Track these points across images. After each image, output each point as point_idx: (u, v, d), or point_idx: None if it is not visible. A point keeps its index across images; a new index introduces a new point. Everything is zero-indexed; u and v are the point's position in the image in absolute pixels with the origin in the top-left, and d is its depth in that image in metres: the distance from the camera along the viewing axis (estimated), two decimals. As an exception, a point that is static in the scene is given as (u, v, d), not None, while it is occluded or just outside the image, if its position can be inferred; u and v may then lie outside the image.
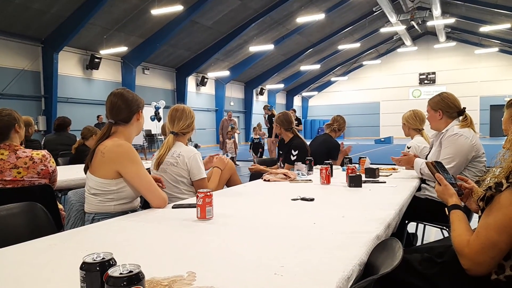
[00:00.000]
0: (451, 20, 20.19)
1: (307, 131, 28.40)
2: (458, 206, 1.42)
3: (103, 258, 0.78)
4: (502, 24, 18.34)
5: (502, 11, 17.43)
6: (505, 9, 17.20)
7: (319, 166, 2.71)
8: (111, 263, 0.78)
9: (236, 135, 10.90)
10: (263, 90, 26.73)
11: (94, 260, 0.77)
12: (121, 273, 0.69)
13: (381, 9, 18.48)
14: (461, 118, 2.52)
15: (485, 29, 19.79)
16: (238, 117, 25.33)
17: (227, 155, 3.22)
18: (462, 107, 2.53)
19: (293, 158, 3.46)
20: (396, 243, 1.04)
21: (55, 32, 12.68)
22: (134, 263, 0.74)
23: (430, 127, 2.74)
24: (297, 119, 9.31)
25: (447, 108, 2.50)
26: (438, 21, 19.71)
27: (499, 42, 23.40)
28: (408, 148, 3.26)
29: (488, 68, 26.25)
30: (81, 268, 0.77)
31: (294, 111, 10.45)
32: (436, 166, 1.69)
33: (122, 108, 1.89)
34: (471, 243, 1.19)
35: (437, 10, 18.09)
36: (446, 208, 1.45)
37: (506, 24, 18.24)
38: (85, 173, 1.89)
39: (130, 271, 0.70)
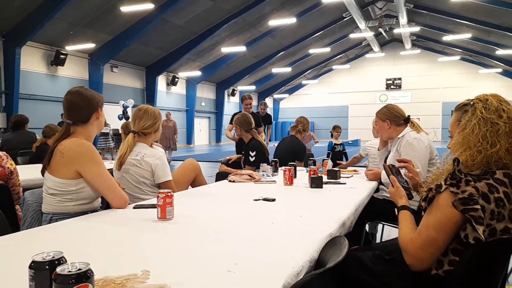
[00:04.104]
0: (416, 29, 21.01)
1: (278, 133, 28.67)
2: (407, 207, 1.51)
3: (53, 257, 0.78)
4: (463, 33, 19.29)
5: (464, 22, 18.32)
6: (466, 20, 18.10)
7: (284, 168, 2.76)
8: (61, 262, 0.78)
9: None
10: (235, 91, 26.73)
11: (44, 259, 0.78)
12: (69, 271, 0.70)
13: (350, 15, 18.96)
14: (408, 125, 2.67)
15: (447, 38, 20.73)
16: (209, 117, 25.22)
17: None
18: (407, 115, 2.69)
19: (251, 159, 3.50)
20: (344, 240, 1.10)
21: (18, 26, 12.15)
22: (85, 261, 0.75)
23: (382, 138, 2.88)
24: (268, 115, 7.12)
25: (394, 117, 2.67)
26: (404, 29, 20.46)
27: (460, 50, 24.55)
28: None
29: (450, 75, 27.49)
30: (30, 267, 0.77)
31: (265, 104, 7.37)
32: (392, 169, 1.78)
33: (80, 106, 1.85)
34: (413, 240, 1.28)
35: (403, 18, 18.77)
36: (396, 208, 1.54)
37: (467, 33, 19.20)
38: (43, 174, 1.85)
39: (79, 269, 0.71)
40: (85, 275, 0.71)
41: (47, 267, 0.77)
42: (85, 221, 1.62)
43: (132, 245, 1.30)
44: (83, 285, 0.70)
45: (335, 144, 6.76)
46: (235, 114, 5.39)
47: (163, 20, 14.66)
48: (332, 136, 6.94)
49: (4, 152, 2.31)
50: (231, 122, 5.36)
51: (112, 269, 1.02)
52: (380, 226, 3.46)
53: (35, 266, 0.77)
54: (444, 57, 25.27)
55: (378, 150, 3.06)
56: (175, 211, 1.63)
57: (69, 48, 14.16)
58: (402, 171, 2.36)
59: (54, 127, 4.10)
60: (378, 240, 3.33)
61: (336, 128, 6.96)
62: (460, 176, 1.21)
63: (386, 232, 3.62)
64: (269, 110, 31.86)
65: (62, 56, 14.26)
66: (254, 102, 30.25)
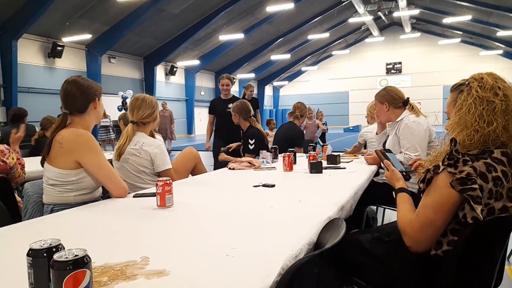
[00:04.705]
0: (415, 11, 20.77)
1: (279, 120, 28.59)
2: (404, 189, 1.51)
3: (50, 244, 0.79)
4: (463, 15, 19.04)
5: (464, 3, 18.09)
6: (466, 1, 17.87)
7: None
8: (59, 249, 0.79)
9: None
10: (234, 80, 26.59)
11: (41, 246, 0.78)
12: (66, 257, 0.70)
13: (349, -1, 18.75)
14: (407, 108, 2.66)
15: (447, 20, 20.48)
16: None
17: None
18: (405, 98, 2.68)
19: (250, 147, 3.49)
20: (341, 222, 1.11)
21: (13, 18, 12.05)
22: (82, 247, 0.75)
23: (380, 121, 2.87)
24: (254, 99, 6.38)
25: (392, 99, 2.65)
26: (404, 12, 20.23)
27: (461, 33, 24.30)
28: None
29: (451, 58, 27.27)
30: (28, 254, 0.78)
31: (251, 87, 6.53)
32: (385, 153, 1.78)
33: (77, 96, 1.83)
34: (412, 222, 1.28)
35: (402, 1, 18.56)
36: (393, 191, 1.54)
37: (467, 15, 18.95)
38: (42, 165, 1.85)
39: (76, 255, 0.71)
40: (82, 261, 0.71)
41: (44, 254, 0.77)
42: (85, 210, 1.62)
43: (131, 233, 1.30)
44: (80, 271, 0.70)
45: None
46: (213, 100, 4.93)
47: (158, 9, 14.51)
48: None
49: (6, 146, 2.32)
50: (211, 112, 4.83)
51: (111, 256, 1.02)
52: (381, 210, 3.48)
53: (32, 253, 0.78)
54: (444, 40, 25.03)
55: (377, 134, 3.06)
56: (174, 199, 1.63)
57: (65, 39, 14.06)
58: (399, 155, 2.36)
59: (51, 119, 4.11)
60: (379, 224, 3.34)
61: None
62: (457, 156, 1.20)
63: (388, 216, 3.64)
64: (269, 98, 31.74)
65: (59, 48, 14.17)
66: (255, 90, 30.21)
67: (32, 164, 3.02)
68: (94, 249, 0.88)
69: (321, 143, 3.66)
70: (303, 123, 7.60)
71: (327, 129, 9.04)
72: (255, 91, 29.27)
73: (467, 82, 1.32)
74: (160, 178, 1.61)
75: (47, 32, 13.77)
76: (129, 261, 0.99)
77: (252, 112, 3.65)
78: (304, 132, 7.41)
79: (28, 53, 13.51)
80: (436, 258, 1.27)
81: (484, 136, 1.22)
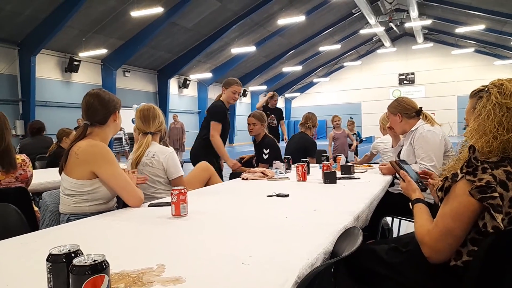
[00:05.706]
0: (428, 22, 20.67)
1: (291, 132, 28.58)
2: (421, 200, 1.48)
3: (69, 250, 0.80)
4: (476, 25, 18.88)
5: (476, 13, 17.95)
6: (479, 11, 17.73)
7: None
8: (78, 254, 0.80)
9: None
10: (246, 92, 26.76)
11: (61, 251, 0.79)
12: (85, 262, 0.71)
13: (360, 11, 18.78)
14: (421, 117, 2.63)
15: (460, 30, 20.32)
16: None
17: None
18: (418, 107, 2.65)
19: (265, 156, 3.49)
20: (358, 230, 1.09)
21: (32, 35, 12.43)
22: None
23: (397, 133, 2.84)
24: (278, 109, 6.61)
25: (405, 110, 2.63)
26: (416, 22, 20.16)
27: (474, 42, 24.06)
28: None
29: (464, 68, 26.95)
30: (48, 259, 0.79)
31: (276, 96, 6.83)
32: (400, 164, 1.76)
33: (98, 108, 1.88)
34: (430, 231, 1.25)
35: (414, 12, 18.50)
36: (410, 202, 1.52)
37: (480, 25, 18.79)
38: (60, 174, 1.89)
39: (95, 260, 0.72)
40: (101, 266, 0.72)
41: (64, 259, 0.78)
42: (101, 219, 1.64)
43: (147, 241, 1.31)
44: (99, 276, 0.71)
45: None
46: (223, 105, 3.65)
47: (172, 24, 14.78)
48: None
49: (26, 155, 2.38)
50: (215, 119, 3.53)
51: (128, 263, 1.03)
52: (396, 221, 3.42)
53: (52, 259, 0.79)
54: (457, 50, 24.80)
55: (392, 147, 3.04)
56: (188, 208, 1.64)
57: (82, 54, 14.41)
58: (414, 166, 2.32)
59: (66, 129, 4.21)
60: (395, 235, 3.28)
61: None
62: (476, 163, 1.18)
63: (404, 227, 3.56)
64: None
65: (75, 63, 14.52)
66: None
67: (49, 175, 3.08)
68: (111, 255, 0.89)
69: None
70: (331, 134, 7.16)
71: (360, 141, 8.30)
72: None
73: (486, 88, 1.30)
74: (175, 187, 1.63)
75: (64, 48, 14.14)
76: (146, 268, 1.00)
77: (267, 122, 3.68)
78: (333, 144, 6.90)
79: (46, 68, 13.88)
80: (456, 269, 1.24)
81: (503, 143, 1.19)
